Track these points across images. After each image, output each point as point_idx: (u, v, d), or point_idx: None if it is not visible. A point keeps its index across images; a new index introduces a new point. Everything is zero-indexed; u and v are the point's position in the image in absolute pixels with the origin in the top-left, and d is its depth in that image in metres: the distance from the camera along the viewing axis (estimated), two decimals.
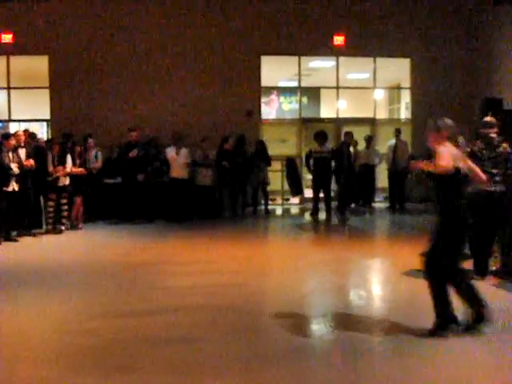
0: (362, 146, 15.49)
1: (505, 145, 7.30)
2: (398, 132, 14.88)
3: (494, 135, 7.35)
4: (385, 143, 15.43)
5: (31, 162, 10.97)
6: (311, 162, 13.56)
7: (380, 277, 8.35)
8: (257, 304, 6.55)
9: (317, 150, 13.37)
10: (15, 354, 5.02)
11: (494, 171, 7.12)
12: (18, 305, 6.52)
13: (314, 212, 13.53)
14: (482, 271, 7.20)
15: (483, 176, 5.59)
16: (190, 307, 6.28)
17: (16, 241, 10.50)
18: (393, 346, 5.14)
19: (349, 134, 14.24)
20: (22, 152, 11.08)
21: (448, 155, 5.14)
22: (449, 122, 5.49)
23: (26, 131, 11.87)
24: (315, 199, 13.59)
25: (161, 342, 5.24)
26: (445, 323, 5.16)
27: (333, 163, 13.45)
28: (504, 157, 7.23)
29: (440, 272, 5.17)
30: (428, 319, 5.19)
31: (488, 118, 7.61)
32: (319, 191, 13.61)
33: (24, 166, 10.70)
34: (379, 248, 10.53)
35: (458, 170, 5.19)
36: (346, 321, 5.92)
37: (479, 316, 5.13)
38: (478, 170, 5.56)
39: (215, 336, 5.39)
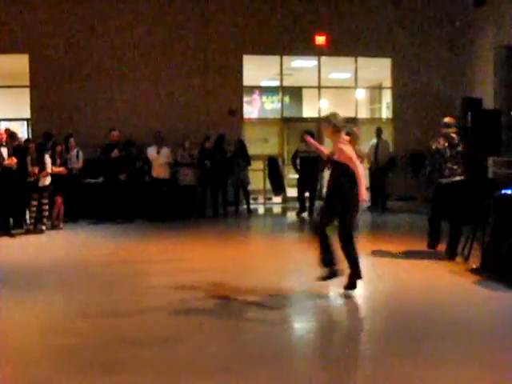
0: None
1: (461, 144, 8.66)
2: (379, 131, 14.97)
3: (454, 135, 8.59)
4: (366, 143, 15.48)
5: (14, 160, 10.89)
6: (298, 161, 13.59)
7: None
8: (239, 304, 6.55)
9: (303, 150, 13.40)
10: None
11: (455, 167, 8.52)
12: (0, 306, 6.48)
13: (301, 211, 13.57)
14: (449, 253, 8.50)
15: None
16: (173, 307, 6.27)
17: None
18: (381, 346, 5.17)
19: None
20: (4, 151, 11.01)
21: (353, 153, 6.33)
22: (340, 118, 6.58)
23: (7, 130, 11.76)
24: (301, 198, 13.63)
25: (144, 342, 5.23)
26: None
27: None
28: (462, 155, 8.57)
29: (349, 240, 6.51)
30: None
31: (447, 119, 8.79)
32: (305, 190, 13.64)
33: (5, 165, 10.61)
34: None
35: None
36: (330, 319, 5.95)
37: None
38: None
39: (198, 336, 5.39)
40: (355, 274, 6.60)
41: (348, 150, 6.41)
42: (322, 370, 4.65)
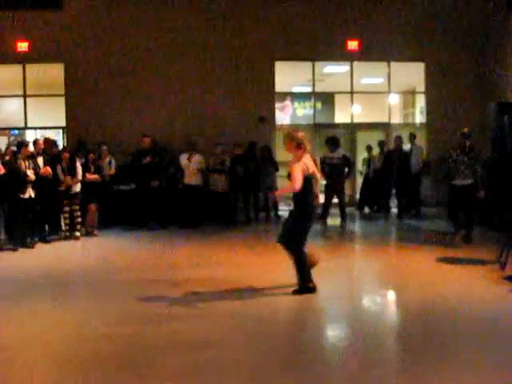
0: (376, 151, 15.46)
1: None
2: (412, 137, 14.78)
3: (467, 143, 10.14)
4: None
5: (48, 169, 11.10)
6: (326, 168, 13.49)
7: (379, 284, 8.29)
8: (272, 310, 6.53)
9: (328, 156, 13.31)
10: (31, 360, 5.05)
11: (466, 171, 10.05)
12: (34, 311, 6.56)
13: (322, 216, 13.46)
14: (466, 240, 10.17)
15: (318, 177, 7.22)
16: (204, 313, 6.28)
17: (32, 247, 10.60)
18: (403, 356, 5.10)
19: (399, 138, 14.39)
20: (40, 160, 11.22)
21: (300, 174, 6.70)
22: (301, 134, 7.05)
23: (46, 139, 11.96)
24: (325, 204, 13.51)
25: (175, 348, 5.24)
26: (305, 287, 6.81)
27: (346, 169, 13.37)
28: (473, 161, 10.11)
29: (293, 246, 6.86)
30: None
31: (465, 130, 10.29)
32: (331, 197, 13.52)
33: (40, 174, 10.80)
34: (380, 253, 10.45)
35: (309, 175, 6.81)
36: (360, 327, 5.89)
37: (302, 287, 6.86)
38: (318, 176, 7.25)
39: (229, 342, 5.39)
40: (303, 280, 6.92)
41: (296, 168, 6.77)
42: (355, 375, 4.60)
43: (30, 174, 10.51)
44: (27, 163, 10.56)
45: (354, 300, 7.10)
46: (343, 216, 13.29)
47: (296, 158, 6.88)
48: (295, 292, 6.87)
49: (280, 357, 5.02)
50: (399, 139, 14.30)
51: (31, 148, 10.95)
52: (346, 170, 13.34)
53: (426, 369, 4.66)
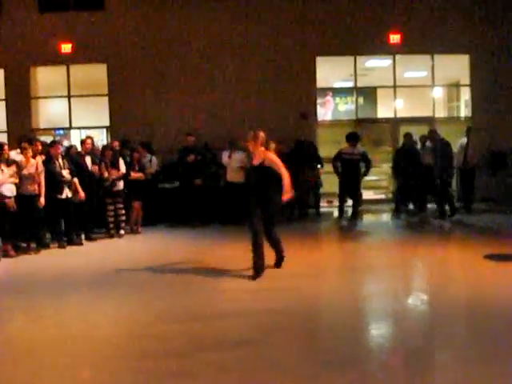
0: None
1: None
2: (469, 131, 14.39)
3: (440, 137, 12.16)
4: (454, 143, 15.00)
5: (96, 168, 11.28)
6: (339, 163, 13.33)
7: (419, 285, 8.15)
8: (315, 309, 6.49)
9: (347, 152, 13.16)
10: (79, 357, 5.12)
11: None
12: (81, 308, 6.66)
13: (341, 215, 13.33)
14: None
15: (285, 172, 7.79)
16: (249, 311, 6.28)
17: (79, 245, 10.78)
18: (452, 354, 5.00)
19: (408, 135, 14.03)
20: (88, 159, 11.39)
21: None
22: (262, 133, 8.03)
23: (91, 138, 12.14)
24: (341, 203, 13.36)
25: (222, 346, 5.25)
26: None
27: (362, 166, 13.21)
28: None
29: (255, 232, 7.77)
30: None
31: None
32: (346, 194, 13.38)
33: (87, 173, 10.99)
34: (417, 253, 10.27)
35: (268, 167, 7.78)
36: (406, 325, 5.81)
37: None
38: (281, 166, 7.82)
39: (274, 340, 5.37)
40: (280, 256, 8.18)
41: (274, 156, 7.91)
42: (402, 376, 4.53)
43: (66, 174, 10.64)
44: (61, 163, 10.69)
45: (399, 298, 7.00)
46: (355, 214, 13.11)
47: (261, 152, 7.92)
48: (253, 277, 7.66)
49: (322, 356, 4.97)
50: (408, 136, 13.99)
51: (72, 147, 11.09)
52: (363, 168, 13.18)
53: (475, 369, 4.56)
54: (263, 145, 8.02)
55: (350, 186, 13.20)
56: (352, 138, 13.25)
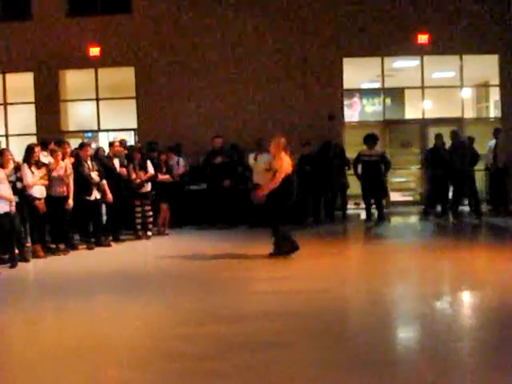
0: None
1: None
2: (497, 132, 14.20)
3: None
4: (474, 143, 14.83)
5: (124, 171, 11.37)
6: (359, 166, 13.25)
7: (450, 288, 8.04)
8: (344, 310, 6.45)
9: (366, 154, 13.07)
10: (106, 358, 5.15)
11: None
12: (108, 309, 6.70)
13: (368, 219, 13.23)
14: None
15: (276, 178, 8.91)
16: (276, 313, 6.25)
17: (108, 246, 10.88)
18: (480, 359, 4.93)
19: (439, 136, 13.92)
20: (117, 162, 11.49)
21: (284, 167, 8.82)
22: (283, 139, 8.88)
23: (122, 141, 12.23)
24: (367, 206, 13.26)
25: (249, 348, 5.22)
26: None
27: (382, 167, 13.10)
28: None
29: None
30: None
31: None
32: (370, 197, 13.29)
33: (115, 175, 11.09)
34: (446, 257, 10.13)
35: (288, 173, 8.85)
36: (435, 328, 5.74)
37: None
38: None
39: (302, 342, 5.33)
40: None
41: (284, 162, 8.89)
42: (430, 379, 4.47)
43: (95, 175, 10.74)
44: (90, 165, 10.78)
45: (428, 300, 6.92)
46: (381, 216, 13.00)
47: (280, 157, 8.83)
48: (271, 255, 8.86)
49: (349, 358, 4.93)
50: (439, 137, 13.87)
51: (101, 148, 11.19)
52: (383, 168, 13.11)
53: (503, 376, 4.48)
54: (284, 149, 8.83)
55: (373, 188, 13.13)
56: (370, 140, 13.18)
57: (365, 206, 13.45)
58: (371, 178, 12.99)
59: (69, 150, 10.90)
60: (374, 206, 13.69)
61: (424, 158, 14.25)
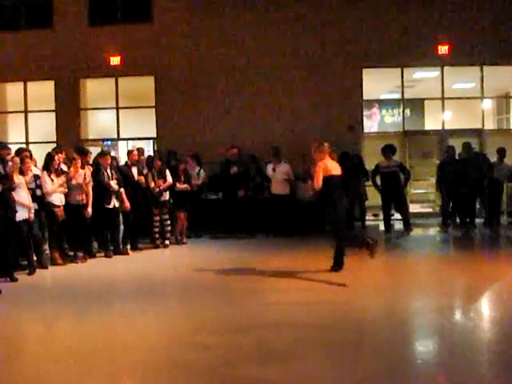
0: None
1: None
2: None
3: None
4: (494, 154, 14.67)
5: (142, 179, 11.41)
6: (377, 178, 13.15)
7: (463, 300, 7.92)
8: (357, 321, 6.37)
9: (384, 165, 12.99)
10: (121, 366, 5.13)
11: None
12: (125, 317, 6.70)
13: (388, 230, 13.11)
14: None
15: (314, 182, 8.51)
16: (293, 324, 6.21)
17: (126, 254, 10.89)
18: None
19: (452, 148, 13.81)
20: (135, 170, 11.52)
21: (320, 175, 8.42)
22: (326, 144, 8.71)
23: (139, 149, 12.28)
24: (386, 218, 13.14)
25: (264, 358, 5.20)
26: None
27: (401, 177, 13.00)
28: None
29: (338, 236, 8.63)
30: None
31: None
32: (390, 208, 13.18)
33: (133, 183, 11.13)
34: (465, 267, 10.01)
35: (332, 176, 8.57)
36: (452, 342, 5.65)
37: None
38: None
39: (319, 355, 5.28)
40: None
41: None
42: None
43: (114, 184, 10.77)
44: (109, 173, 10.81)
45: (444, 313, 6.82)
46: (406, 225, 12.89)
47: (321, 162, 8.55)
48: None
49: (366, 371, 4.87)
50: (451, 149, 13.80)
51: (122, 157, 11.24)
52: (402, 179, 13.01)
53: None
54: (329, 154, 8.78)
55: (394, 199, 13.02)
56: (388, 151, 13.10)
57: (383, 218, 13.33)
58: (390, 188, 12.89)
59: (89, 159, 10.99)
60: (392, 218, 13.60)
61: (437, 169, 14.09)
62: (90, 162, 11.12)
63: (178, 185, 12.06)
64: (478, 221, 13.69)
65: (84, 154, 10.78)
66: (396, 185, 12.96)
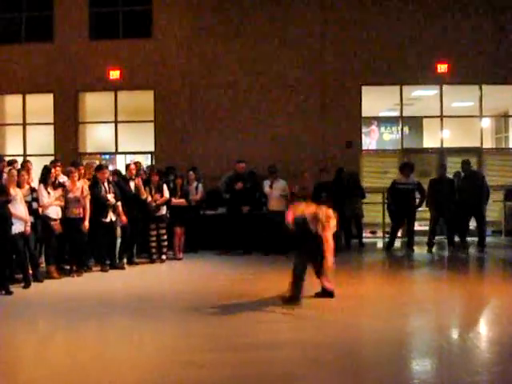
0: None
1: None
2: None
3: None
4: (492, 174, 14.71)
5: (139, 184, 11.40)
6: (392, 194, 13.16)
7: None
8: (360, 343, 6.32)
9: (402, 182, 13.01)
10: (117, 383, 5.07)
11: None
12: (121, 333, 6.63)
13: (390, 245, 13.10)
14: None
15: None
16: (291, 343, 6.16)
17: (121, 269, 10.82)
18: None
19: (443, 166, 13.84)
20: (133, 184, 11.48)
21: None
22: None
23: (137, 163, 12.25)
24: (393, 232, 13.15)
25: (261, 378, 5.14)
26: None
27: (417, 195, 13.00)
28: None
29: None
30: None
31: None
32: (401, 224, 13.17)
33: (131, 197, 11.10)
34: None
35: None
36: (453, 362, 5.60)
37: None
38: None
39: (317, 375, 5.22)
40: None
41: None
42: None
43: (111, 198, 10.72)
44: (107, 187, 10.76)
45: (443, 334, 6.77)
46: (411, 244, 12.88)
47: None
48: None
49: None
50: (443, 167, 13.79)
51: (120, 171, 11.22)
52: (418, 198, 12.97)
53: None
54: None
55: (407, 217, 13.00)
56: (407, 169, 13.14)
57: (390, 234, 13.32)
58: (405, 206, 12.89)
59: (83, 172, 10.96)
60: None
61: (428, 188, 13.98)
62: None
63: (173, 200, 12.01)
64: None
65: (75, 166, 10.81)
66: (411, 203, 12.97)
